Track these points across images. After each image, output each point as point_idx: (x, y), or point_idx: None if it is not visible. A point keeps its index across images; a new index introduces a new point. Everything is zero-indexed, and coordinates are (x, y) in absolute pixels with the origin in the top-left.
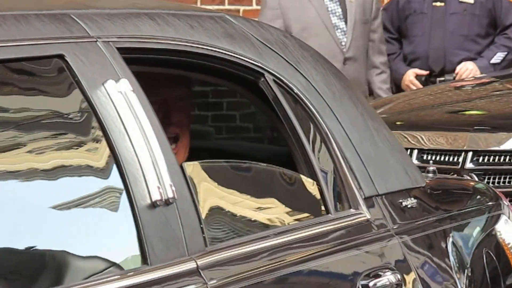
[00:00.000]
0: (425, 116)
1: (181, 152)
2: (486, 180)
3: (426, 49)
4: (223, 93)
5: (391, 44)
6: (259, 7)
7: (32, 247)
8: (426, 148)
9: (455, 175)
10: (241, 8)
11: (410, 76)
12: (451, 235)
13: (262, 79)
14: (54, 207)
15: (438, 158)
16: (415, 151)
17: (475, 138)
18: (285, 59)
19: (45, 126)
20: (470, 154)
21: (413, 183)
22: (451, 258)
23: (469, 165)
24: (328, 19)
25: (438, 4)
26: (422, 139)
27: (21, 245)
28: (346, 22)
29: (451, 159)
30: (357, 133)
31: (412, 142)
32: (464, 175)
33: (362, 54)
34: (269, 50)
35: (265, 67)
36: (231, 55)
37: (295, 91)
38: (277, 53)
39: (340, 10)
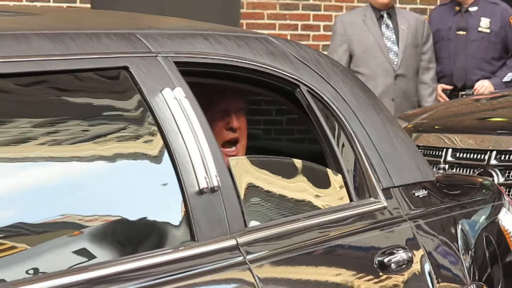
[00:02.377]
0: (458, 121)
1: (240, 153)
2: (507, 174)
3: (451, 69)
4: (271, 101)
5: None
6: (325, 33)
7: (107, 223)
8: (459, 147)
9: (482, 170)
10: (311, 33)
11: (438, 90)
12: (459, 221)
13: (298, 89)
14: (120, 193)
15: (468, 156)
16: (450, 150)
17: (498, 140)
18: (318, 73)
19: (111, 126)
20: (494, 153)
21: (424, 177)
22: (458, 240)
23: (493, 162)
24: (383, 44)
25: (461, 32)
26: (456, 140)
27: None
28: (398, 46)
29: (478, 157)
30: (377, 135)
31: (447, 142)
32: (489, 170)
33: (411, 71)
34: (304, 66)
35: (300, 80)
36: (272, 69)
37: (325, 100)
38: (311, 68)
39: (394, 36)
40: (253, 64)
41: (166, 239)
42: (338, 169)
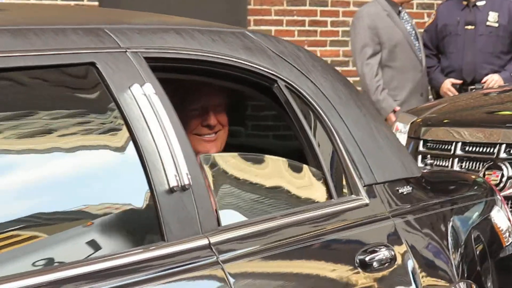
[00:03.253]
0: (467, 115)
1: (217, 141)
2: None
3: (460, 63)
4: (248, 97)
5: (431, 59)
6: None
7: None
8: (468, 141)
9: (491, 163)
10: (318, 29)
11: (447, 85)
12: (447, 217)
13: (276, 85)
14: (86, 193)
15: (477, 149)
16: (459, 144)
17: (507, 134)
18: (296, 68)
19: (76, 123)
20: (503, 146)
21: (408, 173)
22: (447, 237)
23: (502, 155)
24: (410, 39)
25: (469, 27)
26: (465, 134)
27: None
28: (418, 41)
29: (488, 150)
30: (359, 131)
31: (457, 136)
32: (499, 163)
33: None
34: (282, 61)
35: (278, 75)
36: (248, 64)
37: (304, 95)
38: (290, 63)
39: (413, 32)
40: (228, 59)
41: (135, 239)
42: (318, 166)
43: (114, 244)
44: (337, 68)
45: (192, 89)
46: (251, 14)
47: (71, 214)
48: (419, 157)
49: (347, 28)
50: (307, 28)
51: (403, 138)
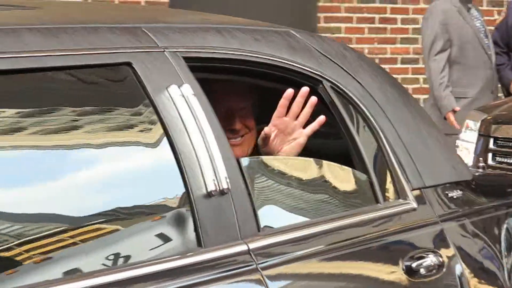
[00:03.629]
0: None
1: (244, 146)
2: None
3: None
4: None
5: (501, 56)
6: (402, 26)
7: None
8: None
9: None
10: (388, 26)
11: None
12: (501, 222)
13: (321, 85)
14: (120, 198)
15: None
16: None
17: None
18: (343, 69)
19: (110, 125)
20: None
21: (459, 176)
22: (500, 242)
23: None
24: (480, 36)
25: None
26: None
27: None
28: (488, 38)
29: None
30: (408, 133)
31: None
32: None
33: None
34: (328, 61)
35: (323, 75)
36: (292, 64)
37: (350, 96)
38: (336, 63)
39: (483, 29)
40: (270, 59)
41: (171, 245)
42: (363, 169)
43: (152, 250)
44: (407, 66)
45: (217, 91)
46: (321, 11)
47: (104, 222)
48: (490, 154)
49: (417, 26)
50: (377, 25)
51: (473, 136)
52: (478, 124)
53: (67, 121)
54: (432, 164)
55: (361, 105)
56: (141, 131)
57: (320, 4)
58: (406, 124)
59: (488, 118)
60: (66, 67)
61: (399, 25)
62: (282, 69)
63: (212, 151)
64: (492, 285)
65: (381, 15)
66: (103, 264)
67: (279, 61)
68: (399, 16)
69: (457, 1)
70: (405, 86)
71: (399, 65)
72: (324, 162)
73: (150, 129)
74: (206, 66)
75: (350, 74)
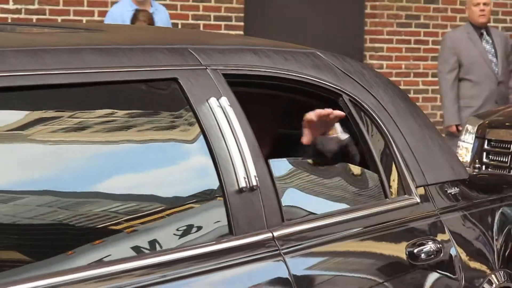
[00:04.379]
0: None
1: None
2: None
3: None
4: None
5: None
6: (433, 46)
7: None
8: None
9: None
10: (422, 47)
11: None
12: (490, 214)
13: (340, 98)
14: (168, 193)
15: None
16: None
17: None
18: (360, 84)
19: (159, 132)
20: None
21: (457, 175)
22: (491, 231)
23: None
24: (486, 56)
25: None
26: None
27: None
28: (497, 57)
29: None
30: (414, 139)
31: None
32: None
33: (507, 78)
34: (347, 78)
35: (343, 90)
36: (316, 81)
37: (366, 108)
38: (354, 79)
39: (493, 50)
40: (298, 76)
41: (207, 233)
42: (375, 170)
43: (191, 237)
44: (436, 79)
45: (254, 102)
46: (367, 34)
47: (154, 211)
48: (484, 154)
49: None
50: (412, 45)
51: (471, 138)
52: (476, 128)
53: (123, 126)
54: (434, 165)
55: (375, 115)
56: (185, 137)
57: (366, 28)
58: (413, 132)
59: (484, 123)
60: (119, 82)
61: (430, 46)
62: (308, 85)
63: (244, 153)
64: (483, 265)
65: (416, 38)
66: (154, 247)
67: (305, 78)
68: (430, 38)
69: (471, 28)
70: (433, 95)
71: (430, 78)
72: (341, 163)
73: (192, 134)
74: (243, 82)
75: (366, 89)
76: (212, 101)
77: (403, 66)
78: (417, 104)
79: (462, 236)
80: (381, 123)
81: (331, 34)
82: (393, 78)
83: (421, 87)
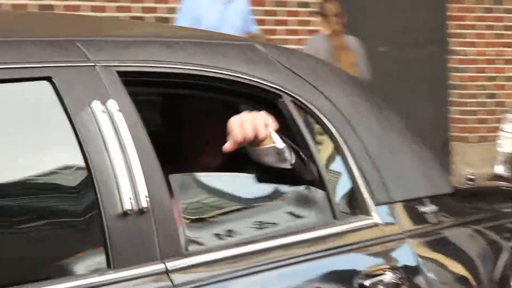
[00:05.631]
0: None
1: (208, 155)
2: None
3: None
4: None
5: None
6: None
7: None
8: None
9: None
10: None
11: None
12: (475, 236)
13: (280, 100)
14: (32, 215)
15: None
16: None
17: None
18: (308, 82)
19: (23, 141)
20: None
21: (434, 190)
22: (473, 260)
23: None
24: None
25: None
26: None
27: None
28: None
29: None
30: (378, 147)
31: None
32: None
33: None
34: (292, 74)
35: (283, 89)
36: (247, 79)
37: (313, 111)
38: (301, 76)
39: None
40: (223, 74)
41: (78, 265)
42: (321, 185)
43: (60, 269)
44: None
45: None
46: (452, 20)
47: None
48: None
49: None
50: (497, 32)
51: None
52: None
53: None
54: (403, 178)
55: (325, 119)
56: (54, 147)
57: (450, 14)
58: (377, 138)
59: None
60: None
61: None
62: (237, 83)
63: (132, 169)
64: None
65: (503, 23)
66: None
67: (233, 75)
68: None
69: None
70: None
71: None
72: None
73: (63, 145)
74: (152, 81)
75: (316, 88)
76: (95, 104)
77: (486, 53)
78: (502, 92)
79: (435, 264)
80: (333, 129)
81: (414, 19)
82: (477, 66)
83: (507, 74)
